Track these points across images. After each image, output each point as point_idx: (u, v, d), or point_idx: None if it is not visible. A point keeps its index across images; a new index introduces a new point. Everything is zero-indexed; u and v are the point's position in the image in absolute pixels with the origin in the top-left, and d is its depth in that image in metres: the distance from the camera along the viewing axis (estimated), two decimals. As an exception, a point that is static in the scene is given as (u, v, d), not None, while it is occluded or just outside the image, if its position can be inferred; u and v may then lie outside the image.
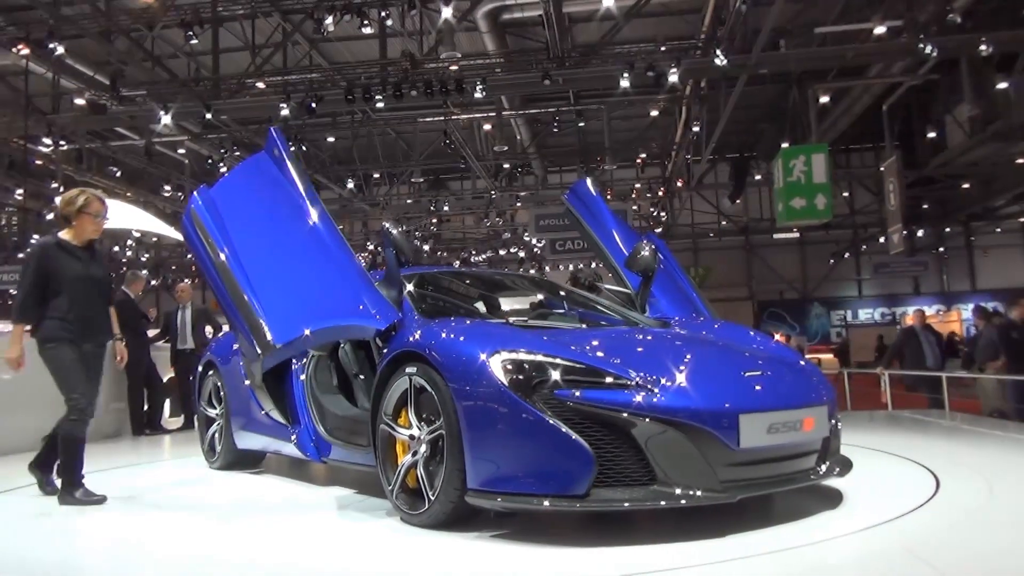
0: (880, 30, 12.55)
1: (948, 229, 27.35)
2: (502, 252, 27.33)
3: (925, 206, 24.56)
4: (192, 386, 8.26)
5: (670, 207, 22.79)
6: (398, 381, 3.36)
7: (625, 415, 2.81)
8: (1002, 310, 14.24)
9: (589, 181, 5.29)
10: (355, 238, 25.55)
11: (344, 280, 3.73)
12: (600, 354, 3.15)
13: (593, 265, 16.00)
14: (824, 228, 24.85)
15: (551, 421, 2.80)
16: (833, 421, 3.32)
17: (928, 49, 11.90)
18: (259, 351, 3.60)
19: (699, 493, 2.78)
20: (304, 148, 18.13)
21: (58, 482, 4.21)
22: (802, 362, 3.66)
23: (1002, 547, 2.73)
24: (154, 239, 22.88)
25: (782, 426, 2.98)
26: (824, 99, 15.99)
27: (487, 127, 18.40)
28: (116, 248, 24.00)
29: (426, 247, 26.70)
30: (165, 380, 8.48)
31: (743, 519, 3.11)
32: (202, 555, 3.02)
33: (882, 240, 21.99)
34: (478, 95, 13.51)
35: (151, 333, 8.31)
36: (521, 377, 2.90)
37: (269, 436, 4.59)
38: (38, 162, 16.73)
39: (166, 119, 13.79)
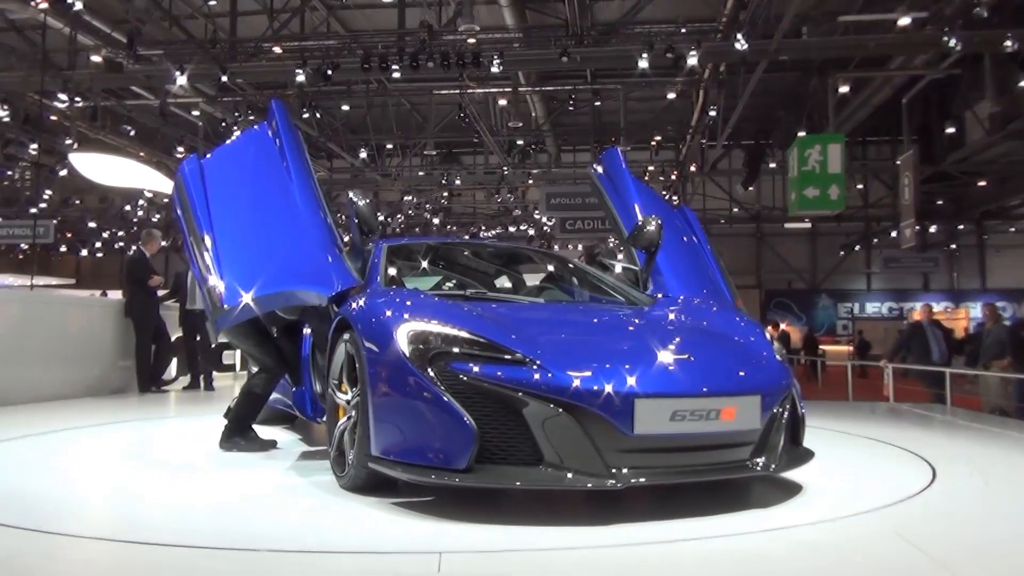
0: (904, 21, 12.40)
1: (961, 226, 27.18)
2: (512, 229, 27.30)
3: (939, 202, 24.39)
4: (197, 347, 8.38)
5: (682, 191, 22.68)
6: (340, 348, 3.42)
7: (517, 393, 2.74)
8: (1009, 310, 14.21)
9: (620, 151, 5.16)
10: (365, 208, 25.48)
11: (305, 247, 3.81)
12: (512, 330, 3.05)
13: (612, 243, 15.94)
14: (836, 219, 24.72)
15: (439, 393, 2.77)
16: (777, 411, 3.12)
17: (952, 42, 11.78)
18: (210, 313, 3.78)
19: (583, 477, 2.70)
20: (318, 115, 18.08)
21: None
22: (764, 353, 3.36)
23: (995, 537, 2.76)
24: (165, 200, 22.91)
25: (690, 414, 2.82)
26: (844, 89, 15.85)
27: (502, 102, 18.31)
28: (128, 208, 24.09)
29: (436, 220, 26.70)
30: (173, 339, 8.55)
31: (739, 498, 3.15)
32: (197, 506, 3.08)
33: (894, 234, 21.85)
34: (495, 69, 13.45)
35: (160, 293, 8.37)
36: (421, 347, 2.88)
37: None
38: (53, 118, 16.73)
39: (181, 80, 13.79)
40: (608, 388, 2.76)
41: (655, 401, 2.79)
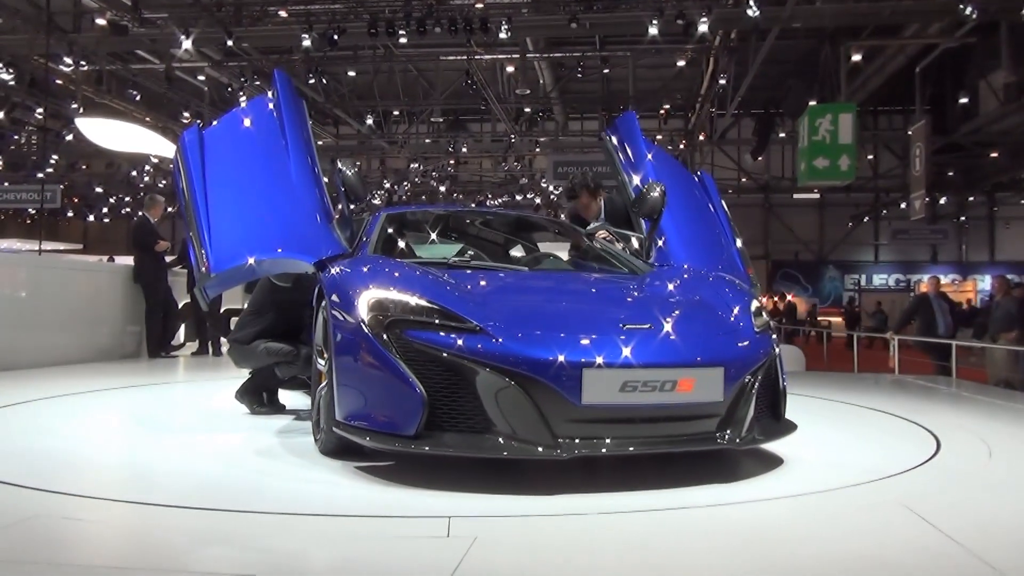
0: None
1: (971, 198, 26.98)
2: (518, 198, 27.19)
3: (950, 173, 24.18)
4: (205, 313, 8.41)
5: (691, 161, 22.53)
6: (320, 315, 3.47)
7: (467, 361, 2.75)
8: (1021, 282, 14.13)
9: (636, 116, 5.06)
10: (372, 176, 25.45)
11: (294, 216, 3.86)
12: (473, 299, 3.06)
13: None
14: (845, 190, 24.57)
15: (392, 360, 2.80)
16: (748, 383, 3.01)
17: (968, 10, 11.60)
18: (197, 279, 3.85)
19: (531, 447, 2.70)
20: (324, 81, 17.94)
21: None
22: (743, 325, 3.24)
23: (998, 507, 2.77)
24: (171, 165, 22.87)
25: (642, 385, 2.78)
26: (856, 57, 15.66)
27: (510, 69, 18.14)
28: (134, 173, 24.05)
29: (442, 188, 26.60)
30: (181, 305, 8.60)
31: (743, 468, 3.18)
32: (209, 469, 3.12)
33: (903, 205, 21.71)
34: (503, 35, 13.30)
35: (168, 259, 8.40)
36: (378, 314, 2.90)
37: None
38: (58, 82, 16.65)
39: (187, 44, 13.69)
40: (556, 358, 2.74)
41: (604, 371, 2.75)
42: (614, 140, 4.98)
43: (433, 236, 4.96)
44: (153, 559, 2.13)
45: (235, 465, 3.24)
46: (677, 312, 3.23)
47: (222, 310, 8.81)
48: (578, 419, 2.76)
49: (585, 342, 2.84)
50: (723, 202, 4.81)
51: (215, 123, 4.48)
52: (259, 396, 4.57)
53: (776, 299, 24.52)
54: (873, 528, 2.44)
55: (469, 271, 3.77)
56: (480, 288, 3.29)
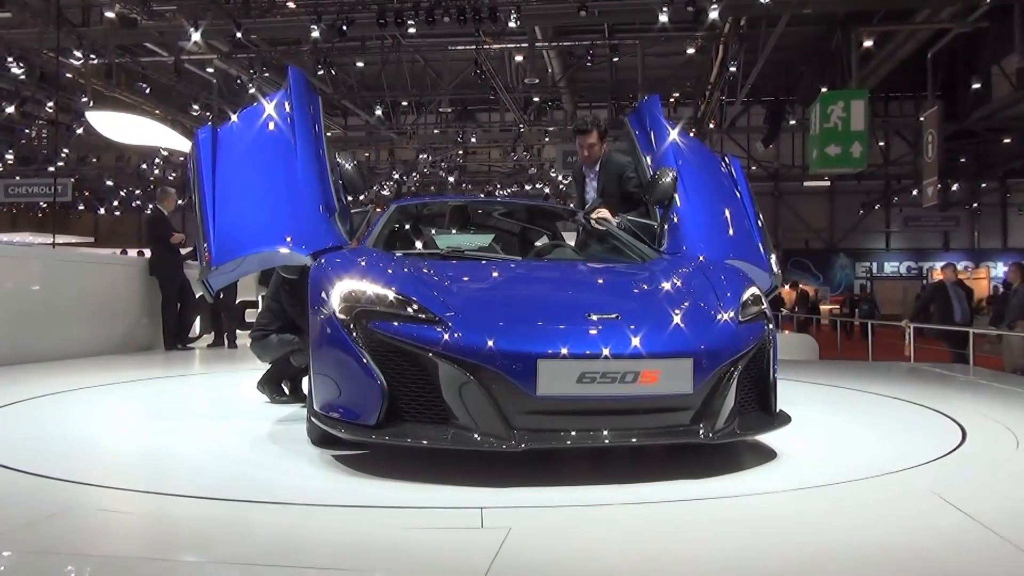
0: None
1: (984, 184, 26.79)
2: (527, 187, 27.13)
3: (962, 160, 24.01)
4: (220, 305, 8.44)
5: (701, 149, 22.39)
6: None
7: (427, 352, 2.75)
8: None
9: (659, 100, 4.99)
10: (381, 167, 25.43)
11: (295, 210, 3.91)
12: (442, 290, 3.04)
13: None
14: (856, 178, 24.44)
15: (357, 350, 2.81)
16: (725, 375, 2.90)
17: (982, -6, 11.46)
18: (200, 272, 3.93)
19: (488, 438, 2.68)
20: (333, 72, 17.91)
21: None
22: (724, 315, 3.09)
23: (1030, 496, 2.76)
24: (181, 158, 22.89)
25: (600, 376, 2.71)
26: (867, 43, 15.53)
27: (519, 58, 18.06)
28: (144, 166, 24.09)
29: (451, 179, 26.57)
30: (197, 297, 8.61)
31: (771, 456, 3.17)
32: (229, 460, 3.13)
33: (915, 192, 21.58)
34: (512, 24, 13.23)
35: (184, 251, 8.40)
36: (348, 305, 2.91)
37: None
38: (68, 75, 16.67)
39: (196, 36, 13.66)
40: (512, 348, 2.71)
41: (560, 362, 2.70)
42: (635, 125, 4.91)
43: (445, 227, 4.98)
44: (186, 549, 2.13)
45: (259, 455, 3.25)
46: (653, 302, 3.18)
47: (236, 301, 8.82)
48: (535, 411, 2.72)
49: (544, 332, 2.81)
50: (750, 188, 4.74)
51: (231, 121, 4.54)
52: (278, 386, 4.62)
53: (788, 288, 24.43)
54: (907, 517, 2.43)
55: (455, 262, 3.75)
56: (457, 280, 3.27)
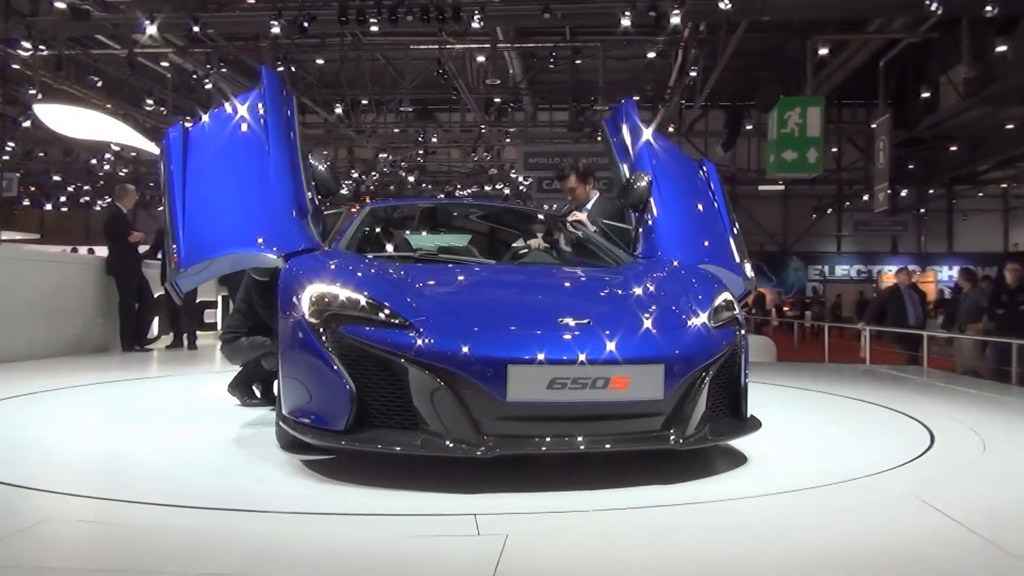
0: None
1: (931, 191, 27.59)
2: (488, 188, 27.10)
3: (911, 166, 24.69)
4: (179, 306, 8.24)
5: (659, 152, 22.62)
6: None
7: (397, 358, 2.73)
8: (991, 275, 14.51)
9: (635, 104, 4.98)
10: (339, 165, 25.14)
11: (266, 212, 3.86)
12: (413, 294, 3.02)
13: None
14: (809, 183, 24.93)
15: (326, 354, 2.79)
16: (695, 380, 2.89)
17: (934, 6, 11.78)
18: (168, 274, 3.89)
19: (458, 444, 2.65)
20: (293, 69, 17.64)
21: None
22: (695, 321, 3.10)
23: (1004, 495, 2.84)
24: (133, 154, 22.33)
25: (571, 382, 2.69)
26: (823, 51, 15.85)
27: (480, 59, 18.02)
28: (93, 161, 23.45)
29: (411, 178, 26.40)
30: (155, 297, 8.40)
31: (748, 461, 3.21)
32: (206, 466, 3.05)
33: (866, 198, 22.14)
34: (475, 25, 13.19)
35: (142, 249, 8.18)
36: (317, 309, 2.89)
37: None
38: (15, 67, 16.12)
39: (151, 30, 13.30)
40: (482, 354, 2.69)
41: (531, 368, 2.68)
42: (611, 129, 4.92)
43: (417, 230, 4.95)
44: (171, 559, 2.06)
45: (231, 462, 3.19)
46: (625, 307, 3.18)
47: (196, 302, 8.63)
48: (505, 417, 2.69)
49: (515, 337, 2.80)
50: (725, 195, 4.78)
51: (201, 120, 4.44)
52: (249, 389, 4.54)
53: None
54: (891, 520, 2.48)
55: (427, 266, 3.72)
56: (428, 284, 3.24)
